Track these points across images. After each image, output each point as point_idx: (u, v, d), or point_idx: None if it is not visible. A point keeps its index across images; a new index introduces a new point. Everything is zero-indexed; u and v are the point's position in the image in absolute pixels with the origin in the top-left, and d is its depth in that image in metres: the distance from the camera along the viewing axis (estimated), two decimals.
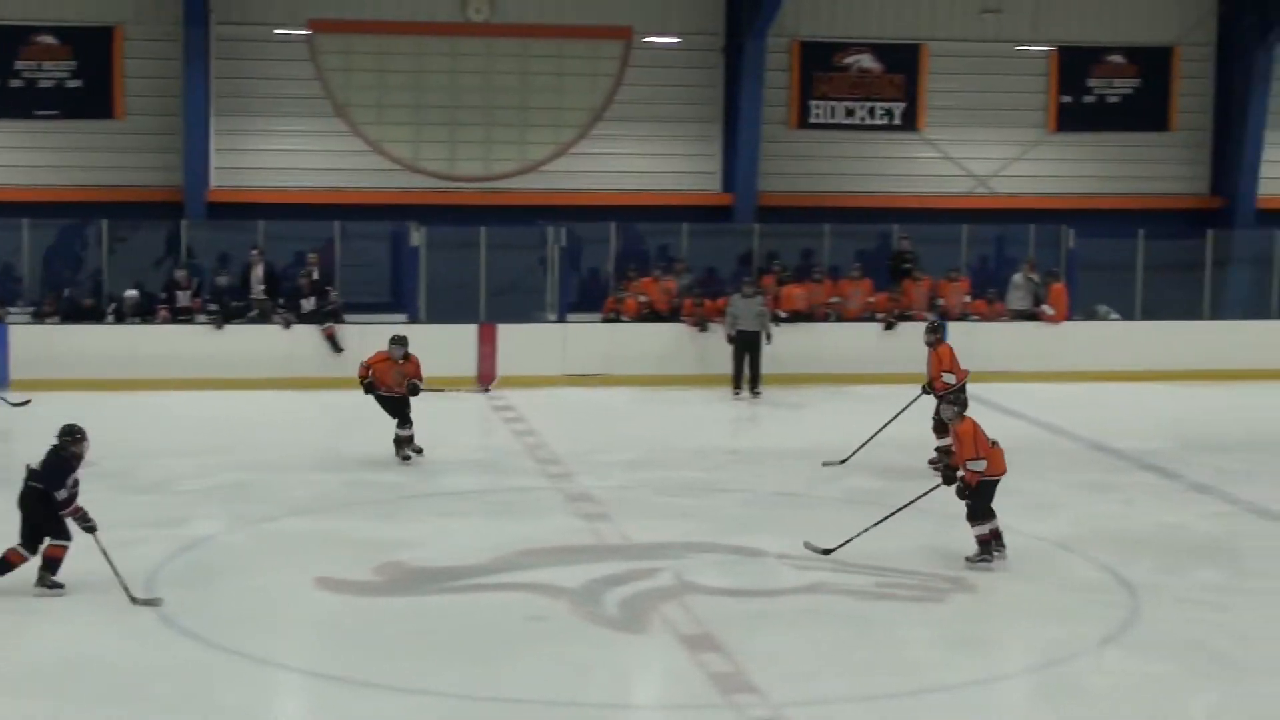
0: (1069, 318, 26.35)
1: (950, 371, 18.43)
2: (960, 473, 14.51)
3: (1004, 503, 14.95)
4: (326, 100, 27.59)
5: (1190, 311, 27.07)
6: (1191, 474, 19.06)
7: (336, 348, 24.14)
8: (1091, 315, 27.17)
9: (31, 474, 13.29)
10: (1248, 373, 25.77)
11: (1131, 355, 25.93)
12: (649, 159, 28.47)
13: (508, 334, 24.88)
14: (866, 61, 28.68)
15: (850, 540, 14.86)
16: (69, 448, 13.29)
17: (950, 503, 14.76)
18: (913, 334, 25.32)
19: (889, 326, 25.67)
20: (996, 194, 29.18)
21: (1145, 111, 29.27)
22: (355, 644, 12.38)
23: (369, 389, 19.08)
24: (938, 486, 15.15)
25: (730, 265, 27.39)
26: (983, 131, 29.16)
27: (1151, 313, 27.02)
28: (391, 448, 19.03)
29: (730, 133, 28.09)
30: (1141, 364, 25.77)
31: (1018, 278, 26.53)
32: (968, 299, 26.41)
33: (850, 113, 28.72)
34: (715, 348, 24.64)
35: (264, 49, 27.31)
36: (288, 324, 24.53)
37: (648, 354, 25.10)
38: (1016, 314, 26.37)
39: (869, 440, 19.02)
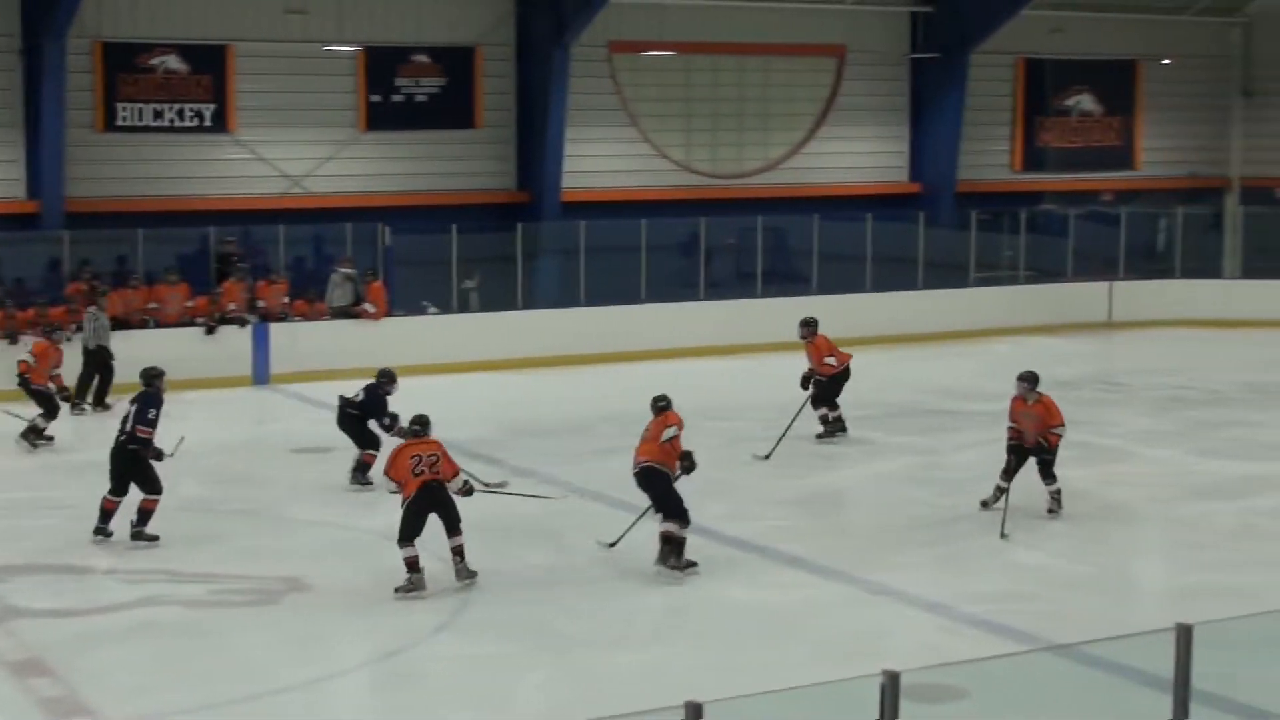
0: (389, 314, 26.67)
1: (832, 355, 20.21)
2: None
3: (331, 498, 15.00)
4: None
5: (506, 303, 27.93)
6: (515, 459, 19.68)
7: None
8: (418, 310, 27.58)
9: (348, 402, 17.93)
10: (559, 359, 26.78)
11: (453, 347, 26.53)
12: None
13: None
14: (173, 63, 28.10)
15: (628, 530, 15.14)
16: (385, 386, 17.82)
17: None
18: (235, 336, 25.16)
19: (210, 330, 25.29)
20: (312, 194, 29.21)
21: (452, 110, 29.95)
22: None
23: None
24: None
25: (40, 274, 26.29)
26: (295, 132, 29.12)
27: (466, 306, 27.82)
28: None
29: (33, 137, 26.97)
30: (463, 355, 26.42)
31: (336, 276, 26.66)
32: (287, 300, 26.31)
33: (159, 115, 28.07)
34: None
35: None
36: None
37: None
38: (338, 312, 26.47)
39: (785, 434, 19.71)
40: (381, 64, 29.52)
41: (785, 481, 18.54)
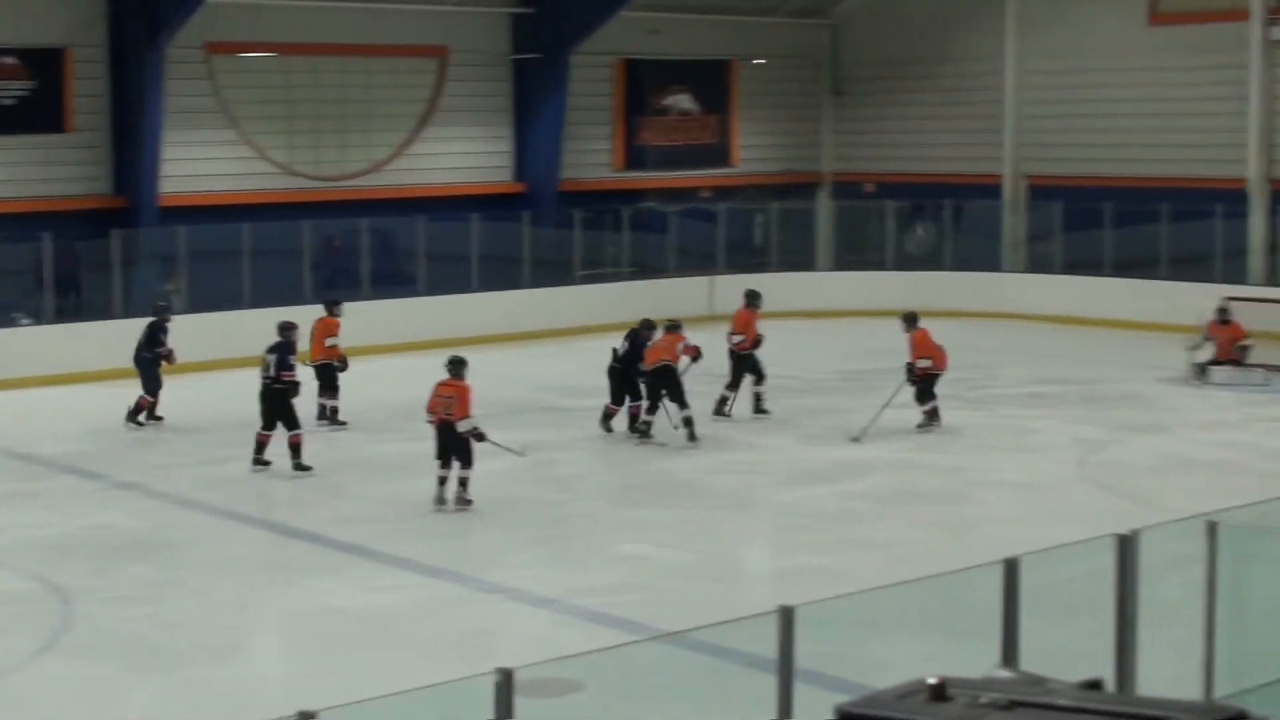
0: None
1: (928, 357, 21.00)
2: None
3: None
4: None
5: (103, 311, 27.07)
6: (117, 473, 19.12)
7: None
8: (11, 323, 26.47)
9: (615, 356, 20.59)
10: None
11: (42, 360, 25.52)
12: None
13: None
14: None
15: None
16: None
17: None
18: None
19: None
20: None
21: (41, 113, 28.84)
22: None
23: None
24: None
25: None
26: None
27: (70, 315, 26.95)
28: None
29: None
30: (49, 369, 25.38)
31: None
32: None
33: None
34: None
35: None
36: None
37: None
38: None
39: (877, 416, 20.66)
40: None
41: (395, 484, 18.45)
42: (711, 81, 36.19)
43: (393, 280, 30.31)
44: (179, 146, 29.46)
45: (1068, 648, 11.23)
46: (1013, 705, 2.84)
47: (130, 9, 28.74)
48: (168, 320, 22.52)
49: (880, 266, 34.26)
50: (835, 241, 36.16)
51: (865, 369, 25.85)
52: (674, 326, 21.09)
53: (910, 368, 21.21)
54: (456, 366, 17.56)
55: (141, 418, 21.81)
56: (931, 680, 2.86)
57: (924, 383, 21.29)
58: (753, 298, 22.96)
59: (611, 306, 30.75)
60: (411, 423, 21.68)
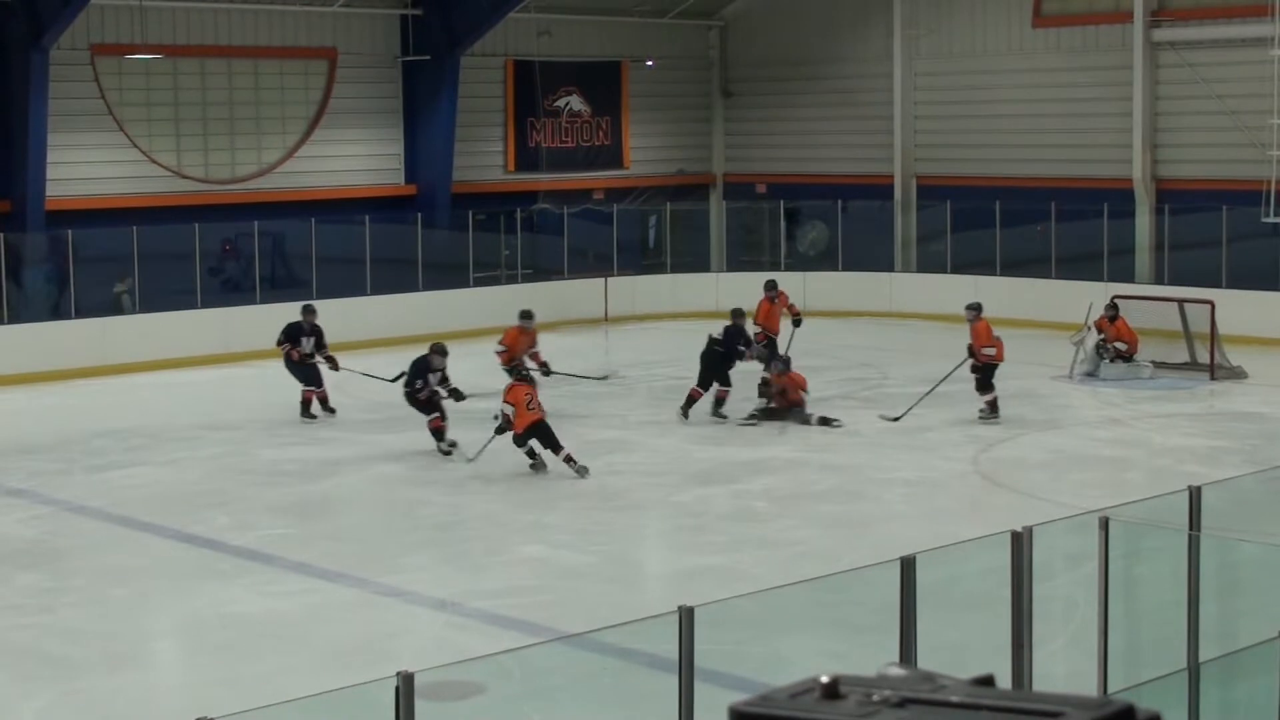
0: None
1: (991, 346, 21.74)
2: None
3: None
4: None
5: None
6: (4, 479, 18.85)
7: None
8: None
9: (714, 340, 21.72)
10: (45, 374, 25.66)
11: None
12: None
13: None
14: None
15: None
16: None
17: None
18: None
19: None
20: None
21: None
22: None
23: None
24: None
25: None
26: None
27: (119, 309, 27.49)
28: None
29: None
30: None
31: None
32: None
33: None
34: None
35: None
36: None
37: None
38: None
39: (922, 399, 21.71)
40: None
41: (287, 489, 18.33)
42: (602, 83, 36.21)
43: (286, 284, 30.08)
44: (65, 150, 29.06)
45: (965, 644, 11.35)
46: (905, 702, 2.86)
47: (13, 11, 28.30)
48: (313, 319, 22.48)
49: (774, 267, 34.45)
50: (728, 242, 36.31)
51: (758, 369, 25.95)
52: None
53: (971, 351, 22.18)
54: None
55: (314, 410, 22.16)
56: (824, 679, 2.88)
57: (983, 372, 22.01)
58: (771, 287, 24.55)
59: (506, 308, 30.57)
60: (306, 427, 21.61)
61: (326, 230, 30.44)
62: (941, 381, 22.07)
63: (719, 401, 22.06)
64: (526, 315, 23.17)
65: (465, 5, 32.44)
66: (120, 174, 30.12)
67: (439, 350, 20.35)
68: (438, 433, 20.03)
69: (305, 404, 22.21)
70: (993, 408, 21.93)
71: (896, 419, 21.61)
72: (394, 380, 20.70)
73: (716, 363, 22.12)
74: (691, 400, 22.04)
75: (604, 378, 21.51)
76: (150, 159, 30.39)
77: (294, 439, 20.71)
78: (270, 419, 22.05)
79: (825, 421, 21.43)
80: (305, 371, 22.31)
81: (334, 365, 22.38)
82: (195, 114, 31.02)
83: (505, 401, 18.62)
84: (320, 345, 22.34)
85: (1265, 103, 29.31)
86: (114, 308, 28.13)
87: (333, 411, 22.18)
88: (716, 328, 22.87)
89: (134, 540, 16.38)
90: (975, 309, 22.36)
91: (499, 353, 22.53)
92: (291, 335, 22.31)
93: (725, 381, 22.11)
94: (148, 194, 30.18)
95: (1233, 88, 30.33)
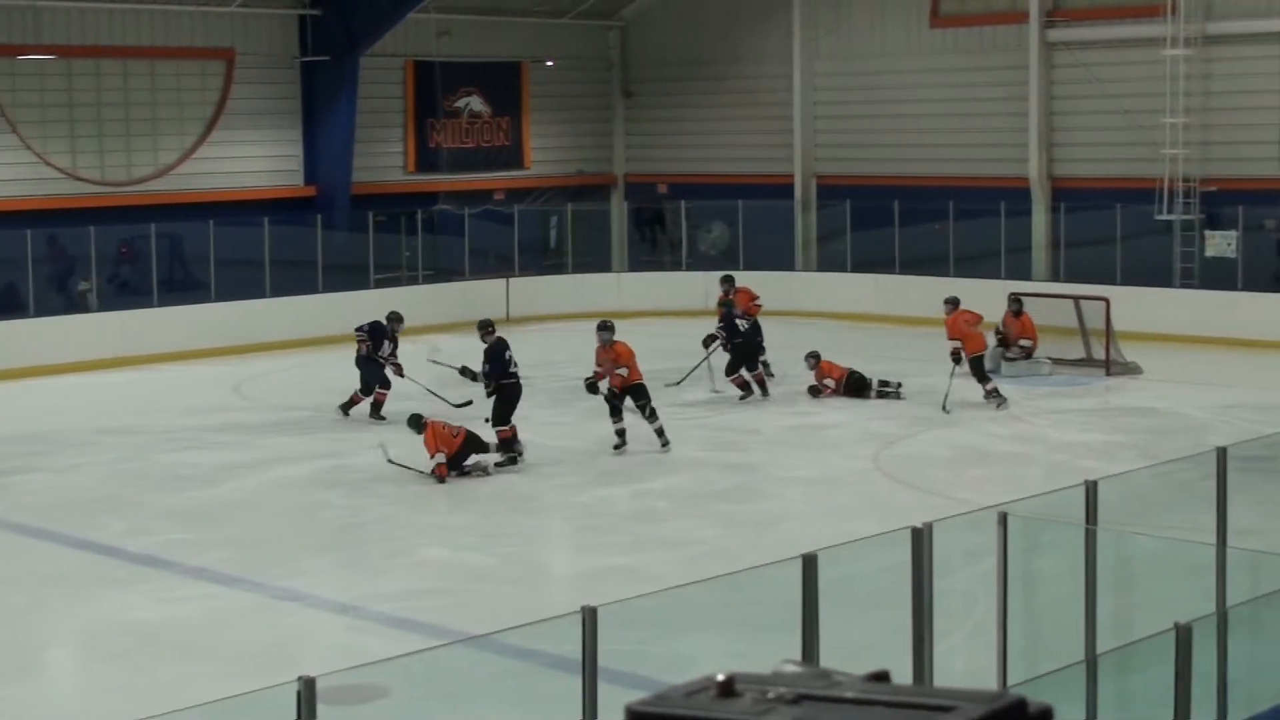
0: None
1: (956, 338, 22.51)
2: None
3: None
4: None
5: None
6: None
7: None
8: None
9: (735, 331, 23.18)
10: None
11: None
12: None
13: None
14: None
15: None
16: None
17: None
18: None
19: None
20: None
21: None
22: None
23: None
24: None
25: None
26: None
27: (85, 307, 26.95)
28: None
29: None
30: None
31: None
32: None
33: None
34: None
35: None
36: None
37: None
38: None
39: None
40: None
41: (187, 493, 18.15)
42: (502, 83, 36.14)
43: (184, 286, 29.80)
44: None
45: (868, 641, 11.43)
46: (800, 699, 2.89)
47: None
48: (398, 328, 22.44)
49: (675, 267, 34.53)
50: (629, 243, 36.34)
51: (661, 368, 26.00)
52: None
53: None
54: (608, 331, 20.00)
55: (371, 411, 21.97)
56: (719, 677, 2.91)
57: (971, 364, 22.56)
58: (727, 280, 25.86)
59: (408, 310, 30.50)
60: (205, 431, 21.40)
61: (225, 232, 30.17)
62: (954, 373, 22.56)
63: (760, 384, 23.53)
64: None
65: (364, 6, 32.27)
66: (13, 176, 29.70)
67: (396, 318, 21.41)
68: (378, 405, 20.85)
69: (376, 405, 21.86)
70: (990, 396, 22.56)
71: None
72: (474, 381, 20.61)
73: (752, 346, 23.71)
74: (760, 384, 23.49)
75: (467, 404, 20.64)
76: (45, 161, 29.99)
77: (192, 443, 20.52)
78: (168, 424, 21.83)
79: (884, 386, 23.40)
80: (377, 371, 22.03)
81: (399, 372, 22.09)
82: (90, 115, 30.64)
83: (613, 361, 19.70)
84: (393, 354, 22.11)
85: (1158, 102, 29.72)
86: (78, 305, 28.31)
87: (384, 419, 21.65)
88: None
89: (30, 548, 16.17)
90: (949, 303, 23.19)
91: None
92: (375, 336, 22.09)
93: (753, 366, 23.67)
94: (41, 196, 29.80)
95: (1127, 87, 30.72)
